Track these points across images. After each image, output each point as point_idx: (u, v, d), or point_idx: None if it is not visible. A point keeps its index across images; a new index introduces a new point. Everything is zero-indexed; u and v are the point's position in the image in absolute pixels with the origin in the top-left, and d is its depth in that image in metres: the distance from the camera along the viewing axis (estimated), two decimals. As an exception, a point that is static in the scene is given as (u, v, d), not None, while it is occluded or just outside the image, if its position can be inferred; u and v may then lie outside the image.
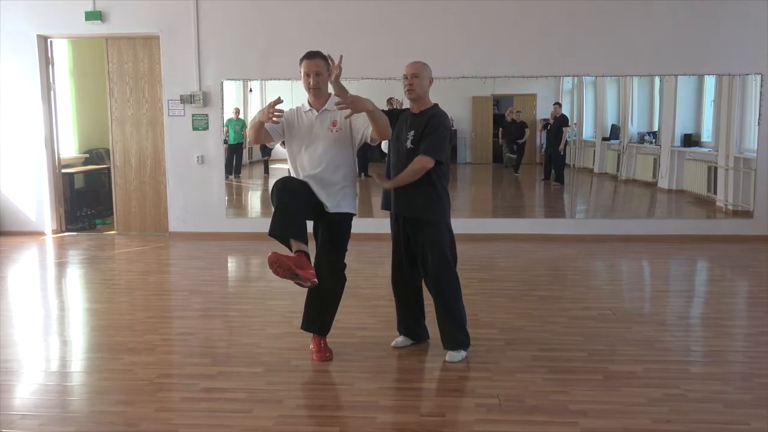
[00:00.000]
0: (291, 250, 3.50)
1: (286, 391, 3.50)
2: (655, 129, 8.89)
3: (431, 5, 7.44)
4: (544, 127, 9.12)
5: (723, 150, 7.92)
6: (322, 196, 3.68)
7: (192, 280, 6.02)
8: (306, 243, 3.52)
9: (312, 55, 3.68)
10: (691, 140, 8.50)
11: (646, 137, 8.90)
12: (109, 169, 8.47)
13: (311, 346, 3.95)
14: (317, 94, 3.73)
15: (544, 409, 3.24)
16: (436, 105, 3.90)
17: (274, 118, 3.49)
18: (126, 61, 7.94)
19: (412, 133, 3.80)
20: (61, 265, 6.81)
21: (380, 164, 9.18)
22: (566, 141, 8.64)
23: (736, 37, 7.26)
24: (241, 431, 3.06)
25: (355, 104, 3.44)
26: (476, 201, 9.68)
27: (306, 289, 3.75)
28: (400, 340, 4.13)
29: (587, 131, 9.22)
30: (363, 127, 3.67)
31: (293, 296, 4.86)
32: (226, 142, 8.14)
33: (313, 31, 7.41)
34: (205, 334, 4.46)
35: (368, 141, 3.71)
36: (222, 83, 7.72)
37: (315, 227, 3.89)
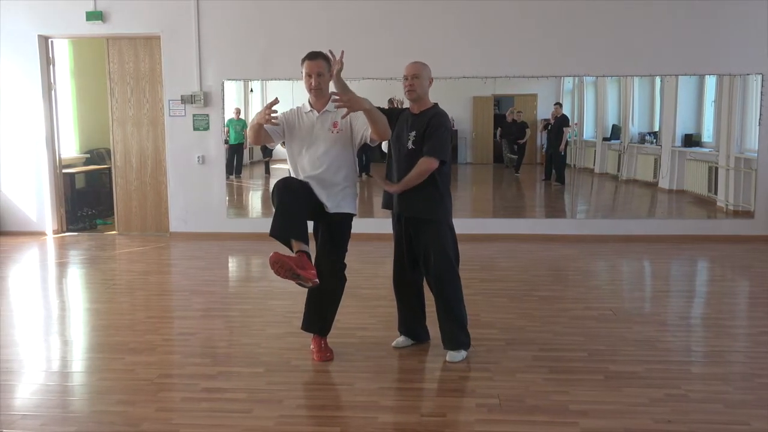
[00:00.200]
0: (292, 251, 3.51)
1: (287, 391, 3.50)
2: (656, 129, 8.88)
3: (432, 5, 7.44)
4: (545, 127, 9.12)
5: (724, 150, 7.92)
6: (322, 196, 3.68)
7: (193, 280, 6.02)
8: (307, 243, 3.52)
9: (314, 56, 3.68)
10: (691, 140, 8.49)
11: (647, 137, 8.89)
12: (109, 169, 8.48)
13: (312, 347, 3.95)
14: (319, 94, 3.73)
15: (545, 410, 3.24)
16: (436, 105, 3.90)
17: (271, 120, 3.49)
18: (127, 61, 7.95)
19: (413, 133, 3.80)
20: (61, 265, 6.81)
21: (381, 164, 9.19)
22: (567, 141, 8.63)
23: (736, 37, 7.26)
24: (242, 431, 3.06)
25: (351, 103, 3.45)
26: (477, 201, 9.68)
27: (306, 290, 3.76)
28: (400, 340, 4.13)
29: (588, 131, 9.21)
30: (363, 128, 3.68)
31: (294, 296, 4.86)
32: (226, 142, 8.14)
33: (313, 31, 7.41)
34: (205, 334, 4.46)
35: (368, 141, 3.71)
36: (223, 83, 7.73)
37: (315, 227, 3.89)
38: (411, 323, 4.11)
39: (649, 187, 8.83)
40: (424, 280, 4.02)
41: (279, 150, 7.73)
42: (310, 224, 3.73)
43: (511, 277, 6.00)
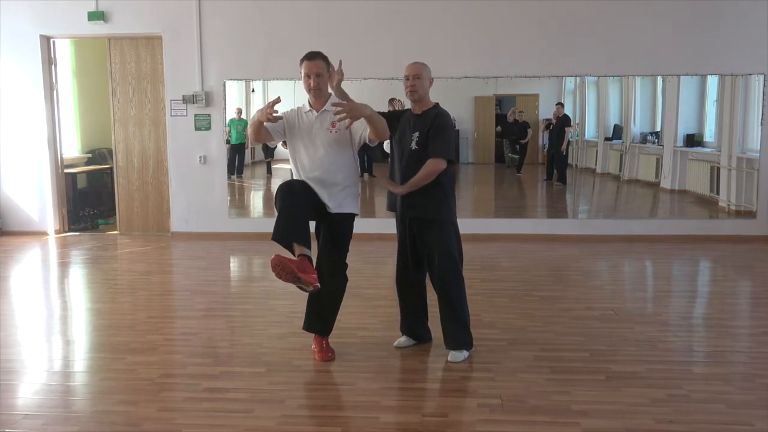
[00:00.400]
0: (294, 255, 3.51)
1: (288, 391, 3.50)
2: (658, 129, 8.87)
3: (433, 5, 7.44)
4: (547, 127, 9.11)
5: (726, 150, 7.91)
6: (324, 196, 3.69)
7: (194, 280, 6.03)
8: (309, 247, 3.53)
9: (312, 56, 3.69)
10: (693, 140, 8.48)
11: (649, 137, 8.88)
12: (111, 169, 8.49)
13: (313, 347, 3.95)
14: (317, 95, 3.73)
15: (546, 410, 3.24)
16: (437, 104, 3.90)
17: (272, 117, 3.50)
18: (128, 61, 7.96)
19: (416, 134, 3.80)
20: (63, 265, 6.82)
21: (383, 164, 9.18)
22: (569, 141, 8.62)
23: (738, 37, 7.25)
24: (244, 431, 3.06)
25: (353, 112, 3.46)
26: (478, 201, 9.67)
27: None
28: (402, 340, 4.13)
29: (590, 131, 9.20)
30: (361, 128, 3.69)
31: (296, 296, 4.86)
32: (228, 142, 8.15)
33: (315, 32, 7.42)
34: (207, 334, 4.47)
35: (366, 142, 3.72)
36: (224, 83, 7.73)
37: (317, 227, 3.89)
38: (413, 323, 4.11)
39: (651, 187, 8.82)
40: (427, 279, 4.02)
41: (280, 150, 7.76)
42: (312, 224, 3.73)
43: (512, 277, 5.99)
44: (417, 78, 3.81)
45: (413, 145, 3.81)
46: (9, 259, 6.89)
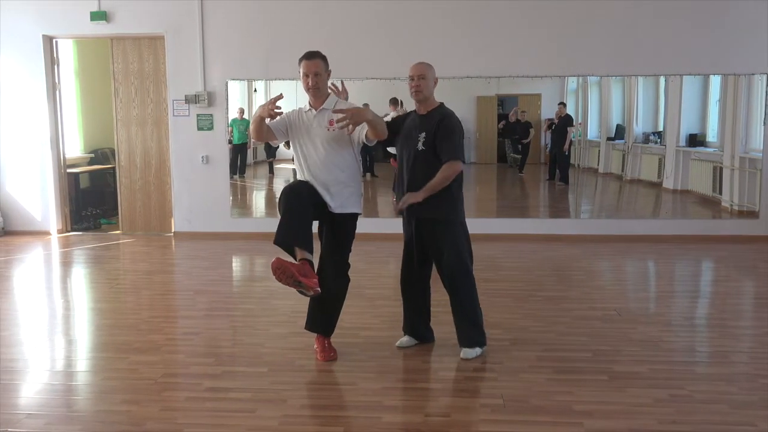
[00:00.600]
0: (295, 258, 3.51)
1: (291, 390, 3.50)
2: (660, 129, 8.87)
3: (435, 5, 7.43)
4: (549, 127, 9.10)
5: (728, 150, 7.90)
6: (326, 196, 3.69)
7: (197, 280, 6.03)
8: (311, 252, 3.54)
9: (311, 56, 3.69)
10: (696, 140, 8.47)
11: (651, 137, 8.88)
12: (114, 168, 8.49)
13: (316, 346, 3.95)
14: (316, 94, 3.74)
15: (549, 410, 3.23)
16: (442, 104, 3.91)
17: (273, 112, 3.50)
18: (131, 61, 7.96)
19: (422, 135, 3.80)
20: (66, 265, 6.83)
21: (384, 164, 9.16)
22: (571, 141, 8.62)
23: (741, 37, 7.23)
24: (246, 431, 3.06)
25: (355, 117, 3.48)
26: (481, 201, 9.66)
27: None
28: (405, 340, 4.13)
29: (592, 131, 9.19)
30: (359, 127, 3.68)
31: (298, 296, 4.80)
32: (230, 142, 8.15)
33: (317, 32, 7.41)
34: (209, 334, 4.47)
35: (365, 141, 3.72)
36: (227, 83, 7.73)
37: (320, 227, 3.89)
38: (416, 323, 4.11)
39: (654, 187, 8.81)
40: (433, 280, 4.02)
41: (282, 150, 7.76)
42: (315, 225, 3.73)
43: (514, 277, 5.99)
44: (422, 78, 3.81)
45: (420, 146, 3.81)
46: (12, 258, 6.90)
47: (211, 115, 7.77)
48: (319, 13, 7.50)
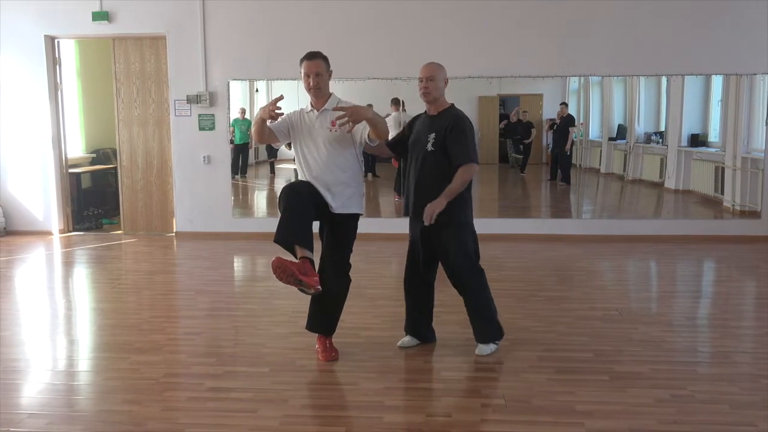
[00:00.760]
0: (296, 257, 3.51)
1: (292, 390, 3.50)
2: (662, 129, 8.85)
3: (435, 5, 7.42)
4: (551, 127, 9.09)
5: (730, 150, 7.88)
6: (327, 197, 3.69)
7: (198, 280, 6.04)
8: (311, 250, 3.53)
9: (312, 56, 3.70)
10: (698, 140, 8.46)
11: (653, 137, 8.86)
12: (115, 168, 8.50)
13: (317, 346, 3.95)
14: (317, 94, 3.74)
15: (550, 410, 3.23)
16: (452, 105, 3.91)
17: (274, 113, 3.50)
18: (133, 61, 7.97)
19: (432, 135, 3.80)
20: (68, 265, 6.83)
21: (386, 164, 9.15)
22: (573, 141, 8.61)
23: (743, 37, 7.23)
24: (247, 431, 3.06)
25: (354, 115, 3.48)
26: (482, 201, 9.65)
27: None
28: (406, 340, 4.13)
29: (594, 131, 9.18)
30: (361, 127, 3.68)
31: (299, 296, 4.82)
32: (232, 142, 8.16)
33: (318, 32, 7.42)
34: (211, 334, 4.47)
35: (367, 141, 3.71)
36: (228, 83, 7.74)
37: (321, 227, 3.89)
38: (418, 324, 4.11)
39: (655, 187, 8.80)
40: (437, 281, 4.02)
41: (284, 150, 7.76)
42: (316, 225, 3.73)
43: (516, 277, 5.99)
44: (430, 80, 3.81)
45: (429, 146, 3.80)
46: (13, 258, 6.91)
47: (213, 115, 7.78)
48: (319, 13, 7.51)
